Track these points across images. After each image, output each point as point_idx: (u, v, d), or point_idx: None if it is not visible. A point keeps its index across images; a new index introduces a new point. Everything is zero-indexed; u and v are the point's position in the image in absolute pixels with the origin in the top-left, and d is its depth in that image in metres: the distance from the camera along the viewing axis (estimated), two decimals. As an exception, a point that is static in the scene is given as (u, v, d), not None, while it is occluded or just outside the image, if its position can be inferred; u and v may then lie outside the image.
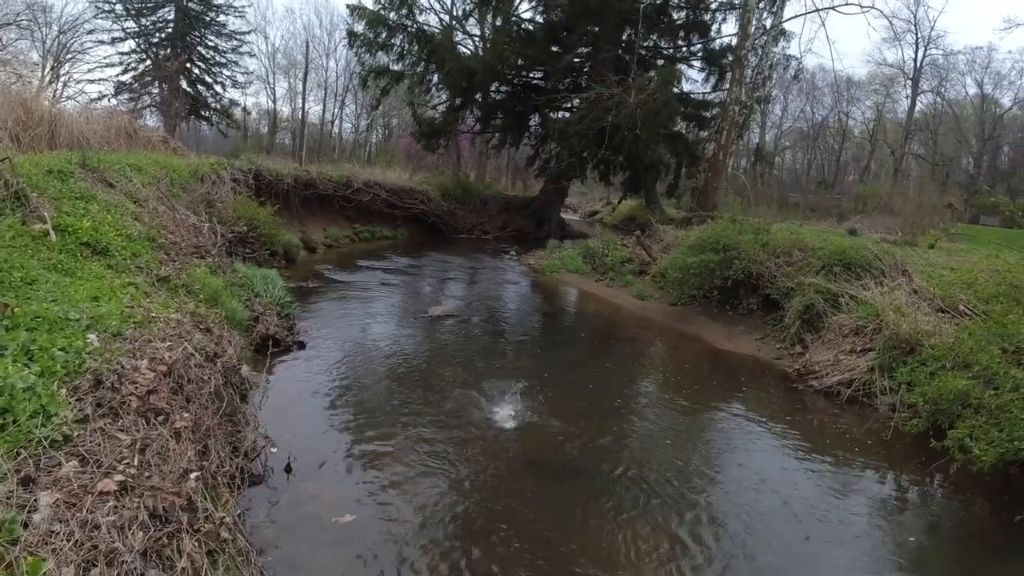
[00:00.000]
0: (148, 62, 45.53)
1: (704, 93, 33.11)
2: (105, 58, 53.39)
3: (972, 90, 56.07)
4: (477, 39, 34.50)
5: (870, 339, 10.72)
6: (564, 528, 6.09)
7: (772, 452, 8.42)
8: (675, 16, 31.99)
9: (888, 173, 56.81)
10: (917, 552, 6.44)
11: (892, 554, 6.32)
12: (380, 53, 32.54)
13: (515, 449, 7.61)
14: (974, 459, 7.04)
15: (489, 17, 32.90)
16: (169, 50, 44.89)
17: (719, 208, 23.04)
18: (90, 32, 45.92)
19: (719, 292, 14.48)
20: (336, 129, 64.04)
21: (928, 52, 52.89)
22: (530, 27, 32.91)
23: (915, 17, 50.60)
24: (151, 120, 42.25)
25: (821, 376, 10.66)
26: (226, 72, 49.01)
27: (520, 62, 31.90)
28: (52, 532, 3.38)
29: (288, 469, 6.40)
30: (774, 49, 27.43)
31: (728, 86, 26.97)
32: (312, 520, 5.76)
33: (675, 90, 29.44)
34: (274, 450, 6.57)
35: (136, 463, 4.26)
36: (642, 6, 25.94)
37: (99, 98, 40.58)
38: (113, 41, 45.34)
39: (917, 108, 55.28)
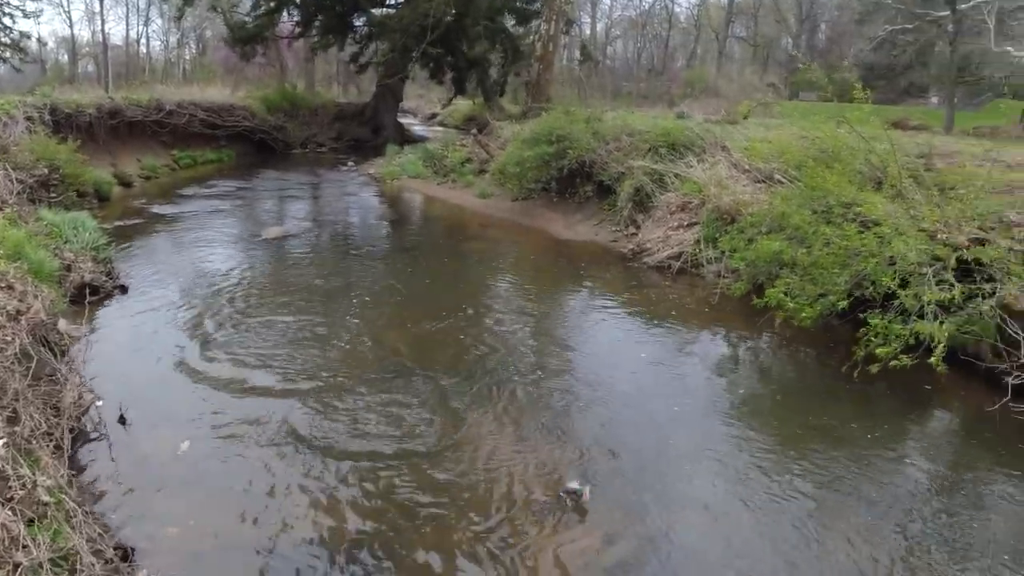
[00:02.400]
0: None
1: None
2: None
3: (788, -29, 58.44)
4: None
5: (695, 213, 11.32)
6: (425, 426, 6.21)
7: (617, 326, 8.96)
8: None
9: (713, 57, 58.90)
10: (750, 400, 7.08)
11: (727, 404, 6.96)
12: (176, -47, 29.45)
13: (367, 361, 7.54)
14: (795, 314, 7.65)
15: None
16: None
17: (553, 101, 23.13)
18: None
19: (557, 183, 14.73)
20: (144, 49, 58.35)
21: (744, -66, 54.26)
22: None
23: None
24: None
25: (654, 252, 11.22)
26: (13, 1, 42.97)
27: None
28: None
29: (122, 420, 6.00)
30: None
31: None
32: (153, 463, 5.50)
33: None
34: (100, 403, 6.12)
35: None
36: None
37: None
38: None
39: (737, -9, 57.10)
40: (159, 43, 60.89)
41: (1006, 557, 4.87)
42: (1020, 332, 6.71)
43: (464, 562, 4.64)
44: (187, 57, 61.66)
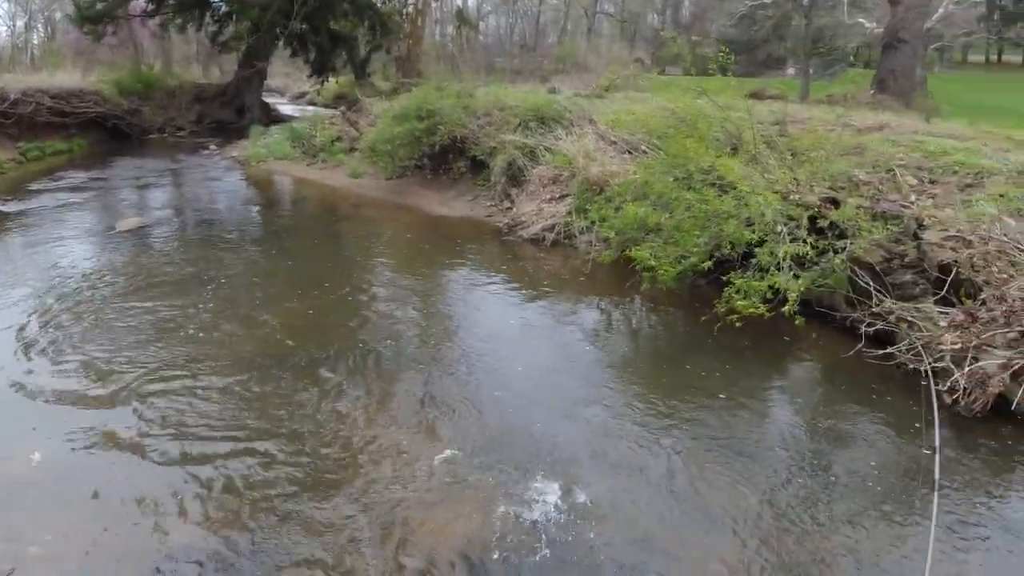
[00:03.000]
0: None
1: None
2: None
3: (651, -53, 59.83)
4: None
5: (566, 186, 11.46)
6: (307, 417, 6.00)
7: (496, 300, 8.97)
8: None
9: (583, 33, 59.79)
10: (623, 360, 7.28)
11: (602, 365, 7.14)
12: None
13: (236, 351, 7.19)
14: (659, 277, 7.87)
15: None
16: None
17: (425, 76, 22.81)
18: None
19: (429, 160, 14.55)
20: (-13, 35, 53.13)
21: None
22: None
23: None
24: None
25: (528, 226, 11.27)
26: None
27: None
28: None
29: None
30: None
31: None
32: (2, 481, 5.06)
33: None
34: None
35: None
36: None
37: None
38: None
39: (603, -34, 58.11)
40: (5, 27, 55.69)
41: (875, 488, 5.21)
42: (870, 283, 7.17)
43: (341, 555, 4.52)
44: (35, 41, 56.70)
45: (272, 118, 29.82)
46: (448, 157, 14.50)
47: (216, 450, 5.47)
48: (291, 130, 20.71)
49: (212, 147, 23.41)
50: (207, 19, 31.88)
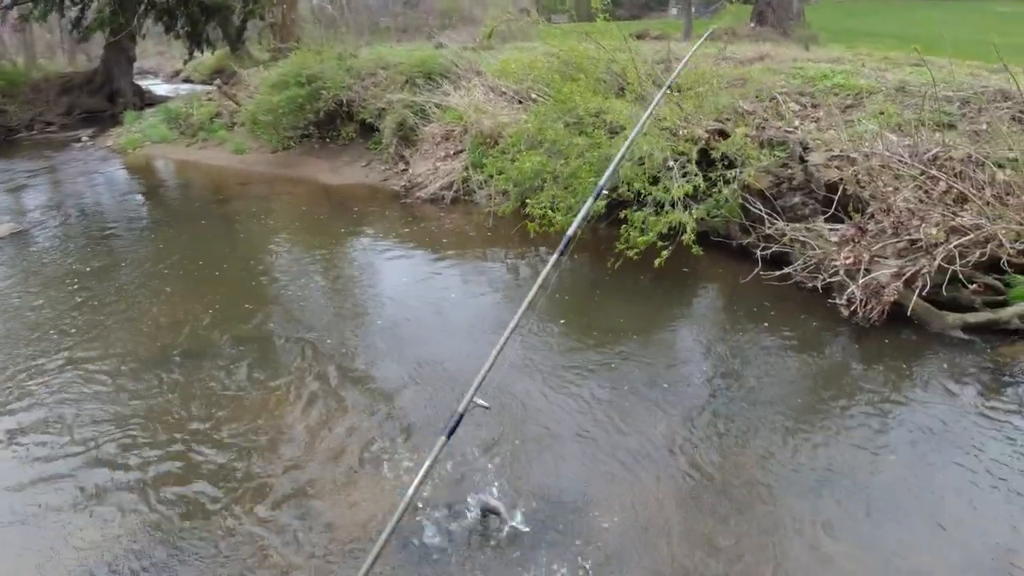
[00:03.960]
0: None
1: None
2: None
3: None
4: None
5: (460, 141, 11.22)
6: (209, 410, 5.69)
7: (402, 265, 8.77)
8: None
9: (465, -14, 58.78)
10: (535, 306, 7.15)
11: (514, 306, 6.94)
12: None
13: (137, 346, 6.75)
14: (561, 225, 7.77)
15: None
16: None
17: (304, 41, 21.84)
18: None
19: (316, 127, 14.01)
20: None
21: None
22: None
23: None
24: None
25: (425, 186, 11.02)
26: None
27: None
28: None
29: None
30: None
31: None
32: None
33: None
34: None
35: None
36: None
37: None
38: None
39: (477, -83, 56.92)
40: None
41: (792, 404, 5.37)
42: (761, 208, 7.30)
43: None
44: None
45: (147, 101, 28.09)
46: (335, 123, 13.98)
47: (115, 448, 5.15)
48: (166, 111, 19.53)
49: (85, 139, 21.85)
50: (67, 2, 29.59)
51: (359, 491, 4.69)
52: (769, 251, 7.05)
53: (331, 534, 4.35)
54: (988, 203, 6.75)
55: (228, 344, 6.69)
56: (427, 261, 8.71)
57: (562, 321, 6.90)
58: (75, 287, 8.31)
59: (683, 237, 7.04)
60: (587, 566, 4.03)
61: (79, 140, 21.88)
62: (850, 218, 6.93)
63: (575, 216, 7.58)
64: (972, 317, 6.38)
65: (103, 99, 28.37)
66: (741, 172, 7.57)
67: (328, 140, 14.16)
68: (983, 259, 6.52)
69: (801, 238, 7.00)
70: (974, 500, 4.45)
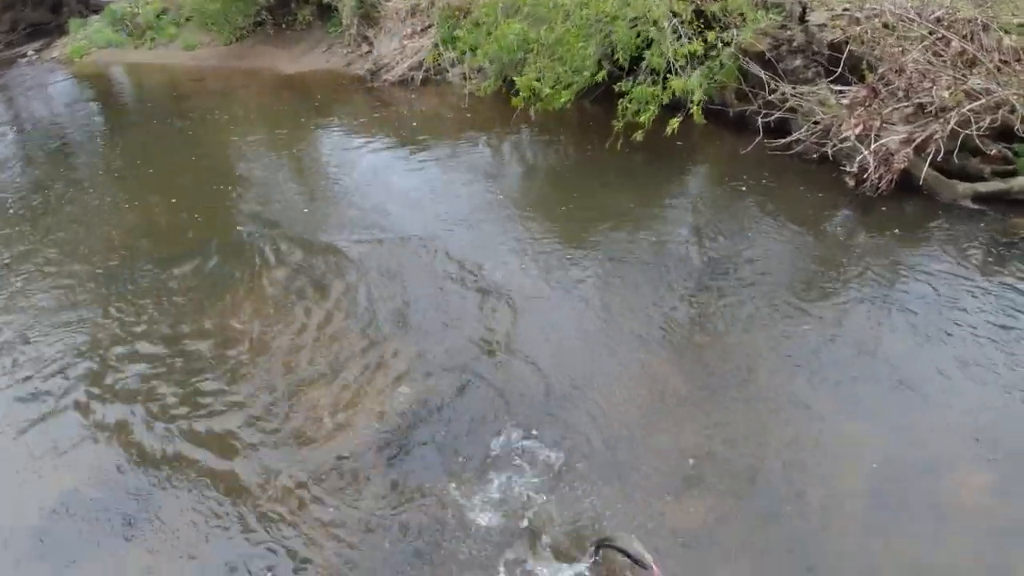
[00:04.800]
0: None
1: None
2: None
3: None
4: None
5: (427, 15, 10.38)
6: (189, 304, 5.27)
7: (375, 154, 8.11)
8: None
9: None
10: (522, 194, 6.80)
11: (502, 193, 6.71)
12: None
13: (103, 255, 6.23)
14: (552, 100, 7.18)
15: None
16: None
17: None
18: None
19: (269, 13, 12.96)
20: None
21: None
22: None
23: None
24: None
25: (392, 68, 10.26)
26: None
27: None
28: None
29: None
30: None
31: None
32: None
33: None
34: None
35: None
36: None
37: None
38: None
39: None
40: None
41: (796, 277, 5.16)
42: (761, 71, 6.79)
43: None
44: None
45: (92, 7, 26.11)
46: (290, 6, 12.93)
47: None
48: (110, 13, 18.06)
49: (31, 53, 20.30)
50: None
51: (337, 386, 4.37)
52: (771, 118, 6.57)
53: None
54: (998, 68, 6.34)
55: (195, 244, 6.19)
56: (400, 147, 8.09)
57: (552, 205, 6.48)
58: (30, 199, 7.64)
59: (692, 109, 6.48)
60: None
61: (25, 55, 20.38)
62: (858, 81, 6.47)
63: (565, 89, 7.10)
64: (983, 187, 6.05)
65: (46, 11, 26.23)
66: (739, 34, 7.01)
67: (284, 26, 13.13)
68: (994, 126, 6.15)
69: (805, 103, 6.53)
70: (977, 373, 4.24)
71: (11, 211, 7.42)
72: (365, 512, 3.60)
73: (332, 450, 3.97)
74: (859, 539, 3.33)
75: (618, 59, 6.92)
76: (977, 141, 6.03)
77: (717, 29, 7.04)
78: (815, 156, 6.39)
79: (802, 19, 7.11)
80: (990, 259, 5.34)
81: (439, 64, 9.85)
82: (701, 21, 7.18)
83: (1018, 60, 6.57)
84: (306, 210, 6.81)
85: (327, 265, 5.73)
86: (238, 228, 6.50)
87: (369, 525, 3.53)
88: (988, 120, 6.10)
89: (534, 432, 3.97)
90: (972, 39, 6.67)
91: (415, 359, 4.56)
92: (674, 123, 6.47)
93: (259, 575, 3.39)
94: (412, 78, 9.98)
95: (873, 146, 5.90)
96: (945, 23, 6.81)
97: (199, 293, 5.49)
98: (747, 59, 6.95)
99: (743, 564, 3.27)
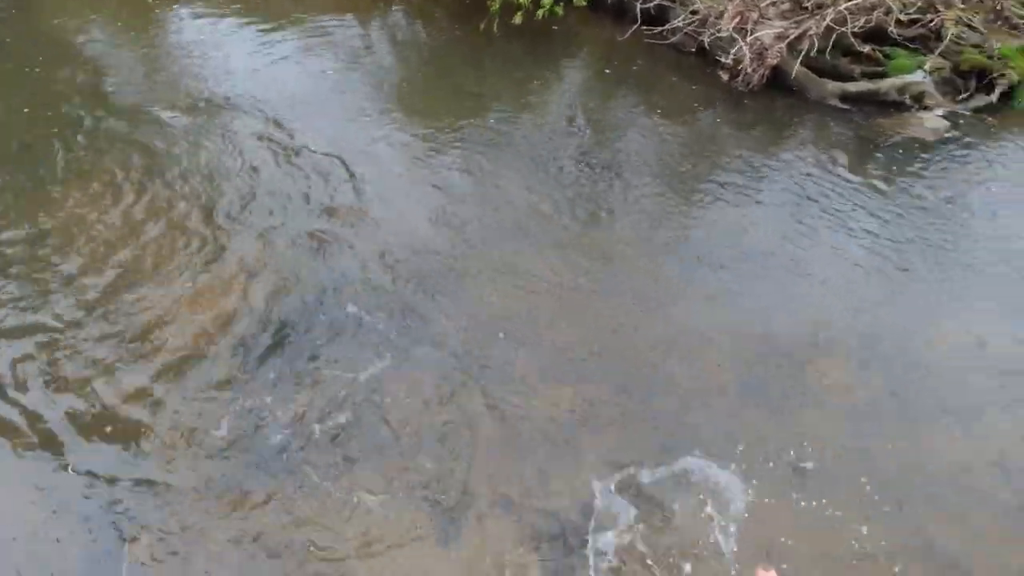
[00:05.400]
0: None
1: None
2: None
3: None
4: None
5: None
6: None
7: (235, 37, 6.93)
8: None
9: None
10: (397, 82, 6.17)
11: (367, 73, 6.17)
12: None
13: None
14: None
15: None
16: None
17: None
18: None
19: None
20: None
21: None
22: None
23: None
24: None
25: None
26: None
27: None
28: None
29: None
30: None
31: None
32: None
33: None
34: None
35: None
36: None
37: None
38: None
39: None
40: None
41: (667, 169, 5.01)
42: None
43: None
44: None
45: None
46: None
47: None
48: None
49: None
50: None
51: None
52: (650, 5, 6.26)
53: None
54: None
55: (41, 142, 5.35)
56: (264, 31, 7.12)
57: (430, 93, 5.98)
58: None
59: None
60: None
61: None
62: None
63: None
64: (852, 86, 6.08)
65: None
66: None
67: None
68: (868, 26, 6.13)
69: (684, -9, 6.29)
70: (834, 262, 4.36)
71: None
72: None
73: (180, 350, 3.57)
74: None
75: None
76: (851, 39, 6.02)
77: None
78: (692, 49, 6.21)
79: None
80: (853, 158, 5.36)
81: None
82: None
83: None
84: (144, 88, 5.98)
85: (166, 144, 5.08)
86: (64, 110, 5.65)
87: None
88: (863, 20, 6.06)
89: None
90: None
91: (258, 242, 4.15)
92: (550, 3, 6.07)
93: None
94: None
95: (748, 39, 5.74)
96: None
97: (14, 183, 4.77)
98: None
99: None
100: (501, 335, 3.67)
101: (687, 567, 2.84)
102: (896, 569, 2.91)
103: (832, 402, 3.52)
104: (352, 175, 4.74)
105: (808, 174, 5.11)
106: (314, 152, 4.99)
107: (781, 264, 4.31)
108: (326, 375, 3.44)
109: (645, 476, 3.13)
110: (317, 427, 3.22)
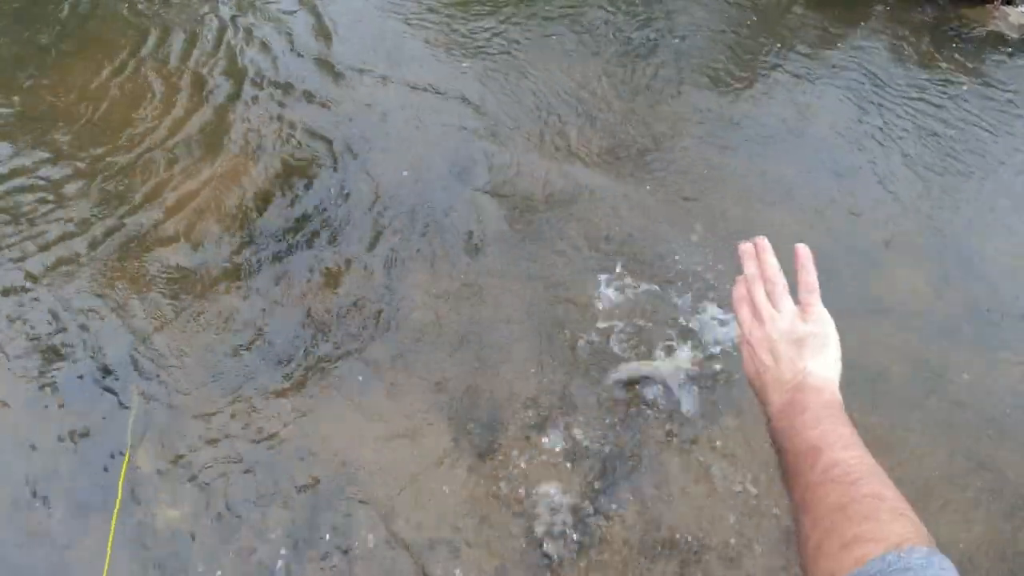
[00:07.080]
0: None
1: None
2: None
3: None
4: None
5: None
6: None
7: None
8: None
9: None
10: None
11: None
12: None
13: None
14: None
15: None
16: None
17: None
18: None
19: None
20: None
21: None
22: None
23: None
24: None
25: None
26: None
27: None
28: None
29: None
30: None
31: None
32: None
33: None
34: None
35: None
36: None
37: None
38: None
39: None
40: None
41: (722, 53, 4.62)
42: None
43: None
44: None
45: None
46: None
47: None
48: None
49: None
50: None
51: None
52: None
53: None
54: None
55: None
56: None
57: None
58: None
59: None
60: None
61: None
62: None
63: None
64: (939, -32, 5.51)
65: None
66: None
67: None
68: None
69: None
70: (897, 166, 3.99)
71: None
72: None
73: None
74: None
75: None
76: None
77: None
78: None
79: None
80: (931, 48, 4.91)
81: None
82: None
83: None
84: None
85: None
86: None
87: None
88: None
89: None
90: None
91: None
92: None
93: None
94: None
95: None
96: None
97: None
98: None
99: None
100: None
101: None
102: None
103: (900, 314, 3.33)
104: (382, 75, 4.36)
105: (878, 64, 4.66)
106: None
107: (839, 161, 3.99)
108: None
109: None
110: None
